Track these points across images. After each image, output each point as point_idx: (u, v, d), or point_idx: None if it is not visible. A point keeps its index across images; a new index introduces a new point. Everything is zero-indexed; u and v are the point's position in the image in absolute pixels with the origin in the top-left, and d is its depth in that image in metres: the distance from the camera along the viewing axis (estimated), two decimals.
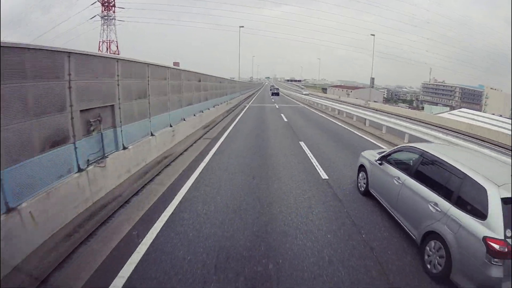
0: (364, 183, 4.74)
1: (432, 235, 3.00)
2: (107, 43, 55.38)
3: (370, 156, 4.81)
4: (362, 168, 4.92)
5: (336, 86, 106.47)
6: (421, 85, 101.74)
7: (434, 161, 3.47)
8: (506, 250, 2.39)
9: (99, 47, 53.86)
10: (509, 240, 2.41)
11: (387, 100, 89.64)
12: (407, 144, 4.49)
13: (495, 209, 2.56)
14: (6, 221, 2.63)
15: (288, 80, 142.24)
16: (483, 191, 2.72)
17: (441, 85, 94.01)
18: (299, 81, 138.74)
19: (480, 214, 2.65)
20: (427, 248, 3.03)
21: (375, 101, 45.96)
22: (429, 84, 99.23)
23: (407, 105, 76.13)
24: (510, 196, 2.59)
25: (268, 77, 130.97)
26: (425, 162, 3.58)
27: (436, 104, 75.83)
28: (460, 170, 3.05)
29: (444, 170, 3.24)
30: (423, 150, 3.77)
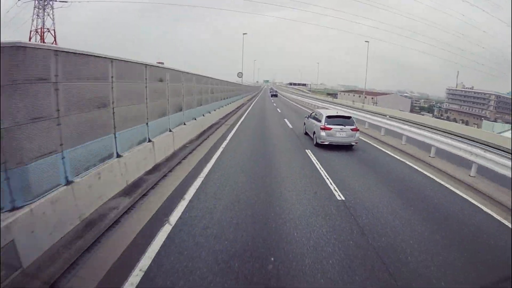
0: (304, 129, 11.81)
1: (314, 133, 9.98)
2: (40, 32, 42.88)
3: (305, 117, 11.94)
4: (304, 124, 12.00)
5: (349, 91, 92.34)
6: (446, 91, 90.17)
7: (317, 113, 10.59)
8: (324, 127, 9.36)
9: (29, 38, 41.32)
10: (326, 125, 9.34)
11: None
12: (313, 110, 11.70)
13: (324, 119, 9.61)
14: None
15: (290, 84, 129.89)
16: (323, 115, 9.79)
17: (471, 91, 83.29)
18: (304, 85, 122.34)
19: (320, 121, 9.67)
20: (313, 137, 10.06)
21: (401, 110, 37.90)
22: (456, 90, 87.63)
23: (430, 115, 65.39)
24: (328, 115, 9.62)
25: (267, 81, 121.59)
26: (315, 114, 10.69)
27: (493, 119, 63.21)
28: (321, 113, 10.16)
29: (319, 114, 10.30)
30: (316, 110, 10.99)
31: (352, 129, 9.49)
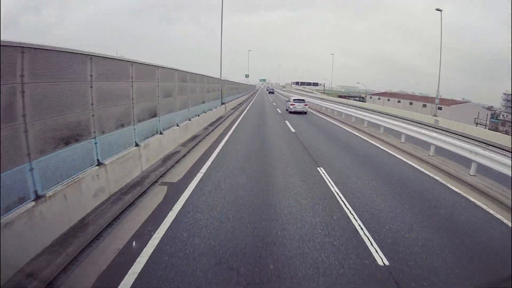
0: (285, 107, 23.87)
1: (288, 107, 21.96)
2: None
3: (285, 102, 24.10)
4: (286, 104, 24.15)
5: (379, 94, 70.78)
6: (503, 97, 71.07)
7: (289, 98, 22.64)
8: (292, 103, 21.20)
9: None
10: (292, 103, 21.28)
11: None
12: (291, 97, 23.94)
13: (292, 100, 21.49)
14: None
15: (296, 83, 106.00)
16: (291, 99, 21.86)
17: None
18: (316, 84, 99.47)
19: (290, 101, 21.83)
20: (287, 109, 22.01)
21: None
22: None
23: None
24: (294, 99, 21.76)
25: (264, 79, 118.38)
26: (289, 99, 22.70)
27: None
28: (291, 98, 22.23)
29: (290, 99, 22.32)
30: (289, 96, 23.18)
31: (304, 105, 21.24)
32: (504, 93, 72.14)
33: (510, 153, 7.09)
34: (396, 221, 4.33)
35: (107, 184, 4.41)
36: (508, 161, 5.85)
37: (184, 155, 7.69)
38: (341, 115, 18.63)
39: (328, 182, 5.91)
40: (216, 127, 13.26)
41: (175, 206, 4.51)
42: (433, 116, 23.48)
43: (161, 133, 7.09)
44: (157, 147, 6.68)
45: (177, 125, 8.67)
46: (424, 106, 49.20)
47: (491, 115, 67.32)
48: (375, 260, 3.30)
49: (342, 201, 4.98)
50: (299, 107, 20.82)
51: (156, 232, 3.72)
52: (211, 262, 3.14)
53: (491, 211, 5.03)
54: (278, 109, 24.32)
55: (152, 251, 3.31)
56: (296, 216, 4.33)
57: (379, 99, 62.45)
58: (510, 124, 68.39)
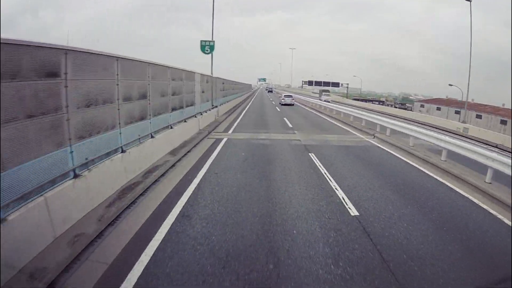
0: (279, 101, 32.96)
1: (281, 101, 31.03)
2: None
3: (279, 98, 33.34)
4: (279, 99, 33.27)
5: (435, 101, 49.82)
6: None
7: (281, 94, 31.93)
8: (282, 98, 30.45)
9: None
10: (283, 97, 30.42)
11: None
12: (283, 93, 33.26)
13: (283, 96, 30.77)
14: None
15: (309, 83, 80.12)
16: (283, 94, 31.11)
17: None
18: (336, 85, 74.01)
19: (281, 96, 30.88)
20: (280, 103, 31.06)
21: None
22: None
23: None
24: (285, 94, 31.04)
25: (264, 79, 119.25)
26: (281, 95, 31.96)
27: None
28: (283, 93, 31.50)
29: (282, 95, 31.49)
30: (282, 92, 32.46)
31: (292, 99, 30.16)
32: None
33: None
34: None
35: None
36: None
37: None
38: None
39: None
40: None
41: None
42: None
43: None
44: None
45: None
46: None
47: None
48: None
49: None
50: (288, 100, 29.75)
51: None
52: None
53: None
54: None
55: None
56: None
57: (438, 109, 45.06)
58: None
